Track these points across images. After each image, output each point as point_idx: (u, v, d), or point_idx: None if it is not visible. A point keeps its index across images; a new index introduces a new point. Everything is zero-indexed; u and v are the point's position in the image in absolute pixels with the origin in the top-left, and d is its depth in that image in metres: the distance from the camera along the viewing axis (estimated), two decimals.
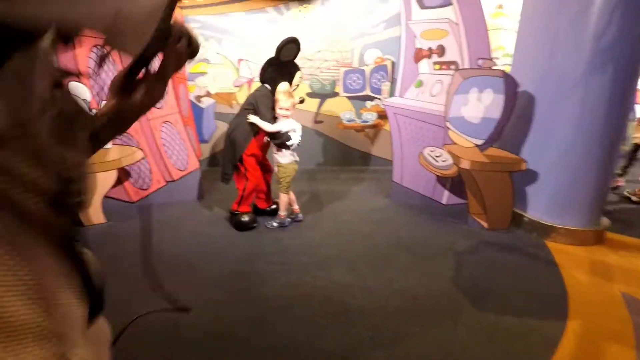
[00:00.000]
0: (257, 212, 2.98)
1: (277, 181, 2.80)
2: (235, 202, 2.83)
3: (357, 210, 3.21)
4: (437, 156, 2.98)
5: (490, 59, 2.85)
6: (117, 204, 3.13)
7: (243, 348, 1.67)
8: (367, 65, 4.26)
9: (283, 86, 2.67)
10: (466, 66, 2.96)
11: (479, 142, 2.74)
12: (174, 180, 3.28)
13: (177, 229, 2.83)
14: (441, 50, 3.02)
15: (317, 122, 4.41)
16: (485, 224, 2.84)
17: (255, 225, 2.86)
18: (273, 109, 2.68)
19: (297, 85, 2.80)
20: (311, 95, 4.32)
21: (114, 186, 3.03)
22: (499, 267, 2.36)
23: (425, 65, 3.13)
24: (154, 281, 2.14)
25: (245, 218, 2.81)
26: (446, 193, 3.24)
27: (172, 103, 3.26)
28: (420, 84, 3.17)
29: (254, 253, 2.49)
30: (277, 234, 2.76)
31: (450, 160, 2.89)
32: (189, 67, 4.11)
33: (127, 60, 0.54)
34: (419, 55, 3.13)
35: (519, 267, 2.37)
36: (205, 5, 3.98)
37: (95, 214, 2.81)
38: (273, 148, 2.74)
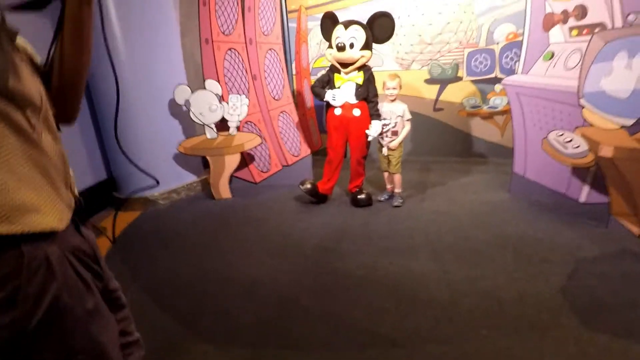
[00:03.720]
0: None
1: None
2: None
3: (464, 202, 2.91)
4: (566, 141, 2.43)
5: None
6: (244, 184, 3.66)
7: (299, 312, 1.78)
8: (497, 43, 3.76)
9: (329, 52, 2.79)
10: (618, 27, 2.31)
11: (628, 122, 2.12)
12: (288, 165, 3.63)
13: (285, 205, 3.13)
14: (580, 12, 2.43)
15: (436, 109, 4.14)
16: (635, 229, 2.19)
17: (312, 196, 3.00)
18: (323, 83, 2.85)
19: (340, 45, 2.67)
20: (430, 81, 4.08)
21: (241, 168, 3.56)
22: (636, 281, 1.80)
23: (557, 33, 2.57)
24: (249, 247, 2.47)
25: (307, 185, 2.96)
26: (586, 188, 2.61)
27: (288, 94, 3.60)
28: (550, 56, 2.62)
29: (345, 232, 2.56)
30: (370, 218, 2.76)
31: (584, 146, 2.33)
32: (312, 62, 4.43)
33: None
34: (549, 21, 2.59)
35: None
36: (327, 3, 4.22)
37: (223, 190, 3.37)
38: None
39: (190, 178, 3.60)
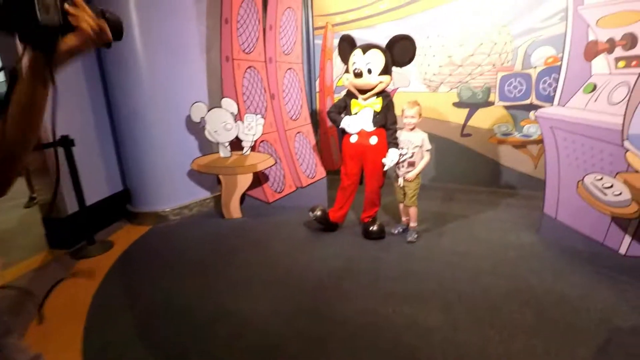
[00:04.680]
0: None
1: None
2: None
3: (486, 242, 2.66)
4: (606, 187, 2.15)
5: None
6: (257, 203, 3.58)
7: None
8: (534, 67, 3.48)
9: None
10: None
11: None
12: (303, 187, 3.52)
13: (294, 230, 3.01)
14: (630, 41, 2.15)
15: (464, 135, 3.89)
16: None
17: (322, 224, 2.89)
18: (340, 108, 2.73)
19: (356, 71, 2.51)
20: (459, 105, 3.84)
21: (255, 187, 3.48)
22: None
23: (601, 64, 2.30)
24: (248, 277, 2.36)
25: (317, 212, 2.84)
26: (627, 239, 2.30)
27: (306, 115, 3.50)
28: (592, 88, 2.34)
29: (350, 269, 2.40)
30: (380, 254, 2.57)
31: (627, 194, 2.04)
32: (337, 80, 4.32)
33: None
34: (592, 50, 2.32)
35: None
36: (354, 20, 4.10)
37: (234, 209, 3.30)
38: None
39: (204, 194, 3.56)
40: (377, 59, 2.50)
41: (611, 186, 2.12)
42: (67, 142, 2.64)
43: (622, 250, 2.32)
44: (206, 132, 3.18)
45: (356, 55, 2.54)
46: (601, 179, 2.17)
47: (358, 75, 2.49)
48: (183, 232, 3.11)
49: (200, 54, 3.40)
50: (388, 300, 2.05)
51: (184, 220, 3.33)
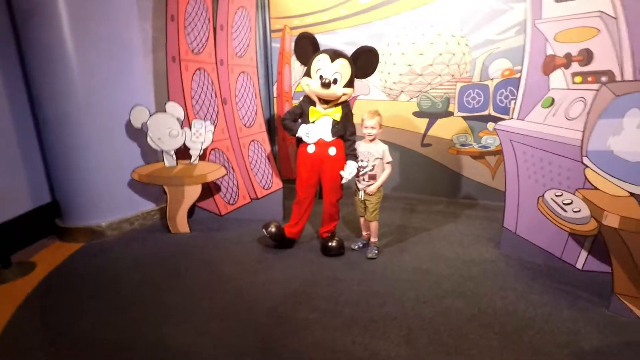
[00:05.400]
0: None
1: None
2: None
3: (449, 259, 2.58)
4: (565, 203, 2.13)
5: None
6: (208, 216, 3.30)
7: None
8: (491, 79, 3.50)
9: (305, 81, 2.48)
10: (629, 78, 2.05)
11: (638, 189, 1.82)
12: (258, 198, 3.29)
13: (246, 248, 2.77)
14: (586, 57, 2.16)
15: (424, 145, 3.84)
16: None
17: (277, 241, 2.65)
18: (296, 115, 2.54)
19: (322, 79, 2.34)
20: (419, 114, 3.80)
21: (205, 198, 3.20)
22: None
23: (559, 78, 2.30)
24: (194, 305, 2.09)
25: (271, 228, 2.60)
26: (584, 254, 2.30)
27: (261, 122, 3.29)
28: (550, 102, 2.34)
29: (307, 292, 2.20)
30: (339, 273, 2.40)
31: (586, 211, 2.02)
32: (295, 85, 4.13)
33: None
34: (550, 64, 2.32)
35: None
36: (314, 24, 3.94)
37: (181, 223, 3.00)
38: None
39: (148, 206, 3.22)
40: (345, 70, 2.37)
41: (571, 202, 2.09)
42: None
43: (579, 265, 2.32)
44: (148, 139, 2.87)
45: (322, 62, 2.37)
46: (561, 195, 2.15)
47: (326, 85, 2.32)
48: (121, 250, 2.76)
49: (145, 54, 3.08)
50: (347, 328, 1.87)
51: (123, 236, 2.98)
